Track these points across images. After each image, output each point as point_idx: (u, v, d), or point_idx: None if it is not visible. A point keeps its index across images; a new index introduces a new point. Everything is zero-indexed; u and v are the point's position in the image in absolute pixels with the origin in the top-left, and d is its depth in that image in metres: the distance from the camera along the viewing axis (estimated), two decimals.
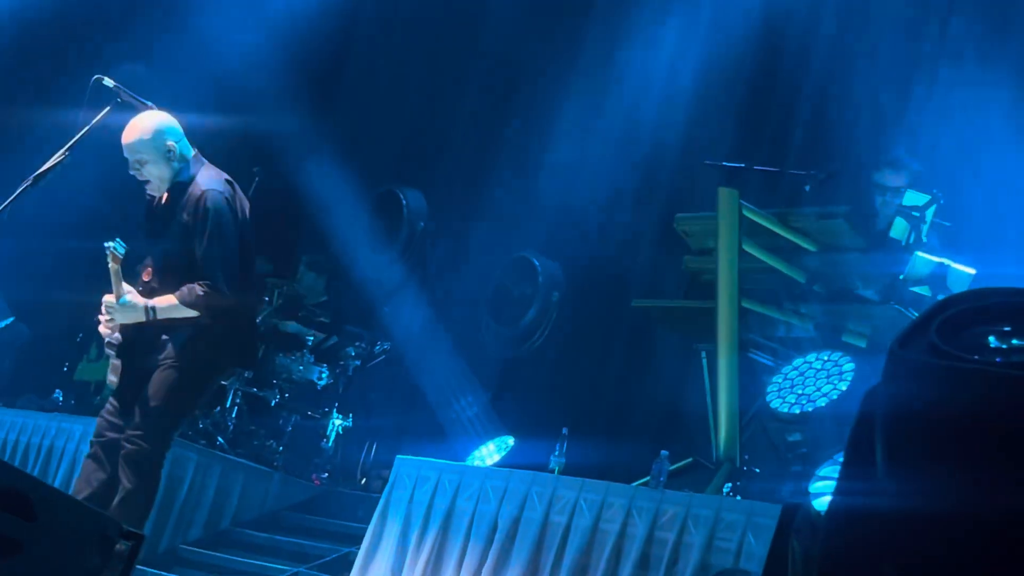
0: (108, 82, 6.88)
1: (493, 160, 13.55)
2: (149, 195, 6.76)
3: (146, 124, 6.59)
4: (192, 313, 6.46)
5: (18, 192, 6.51)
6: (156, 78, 11.00)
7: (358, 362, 11.38)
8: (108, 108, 6.68)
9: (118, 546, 4.84)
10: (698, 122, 11.94)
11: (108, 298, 6.43)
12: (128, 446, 6.51)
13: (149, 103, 6.88)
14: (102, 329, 6.66)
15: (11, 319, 12.22)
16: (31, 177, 6.56)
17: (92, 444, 6.75)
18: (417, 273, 11.34)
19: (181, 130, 6.68)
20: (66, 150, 6.60)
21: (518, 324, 11.05)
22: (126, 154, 6.56)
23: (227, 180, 6.73)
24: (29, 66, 13.44)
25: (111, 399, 6.76)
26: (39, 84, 13.15)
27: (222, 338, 6.65)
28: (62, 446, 10.00)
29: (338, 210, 14.64)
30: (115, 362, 6.61)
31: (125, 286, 6.42)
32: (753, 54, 11.79)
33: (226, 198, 6.61)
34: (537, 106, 13.39)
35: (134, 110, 6.78)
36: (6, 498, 4.55)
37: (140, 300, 6.43)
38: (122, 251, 6.31)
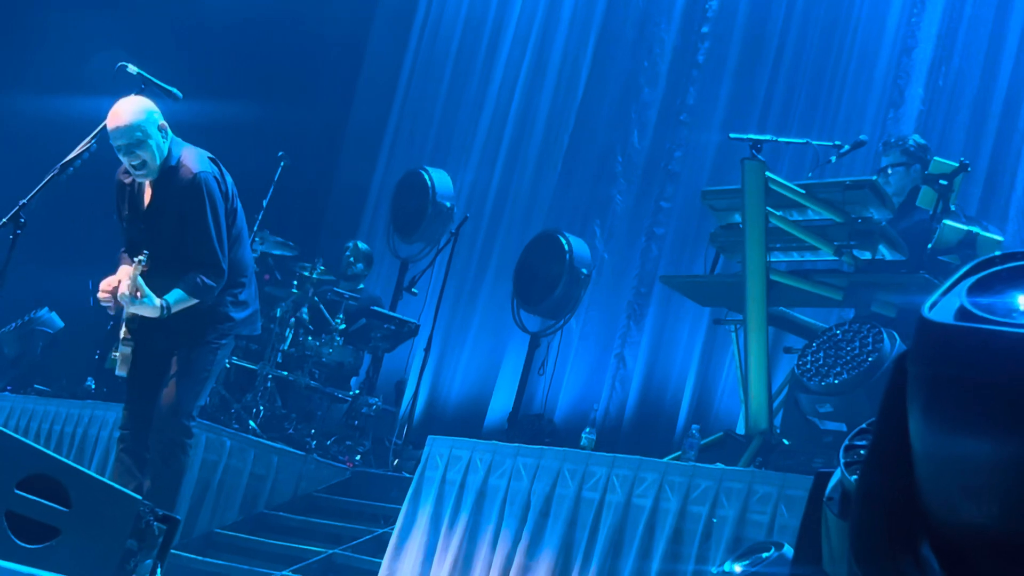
0: (132, 69, 6.88)
1: (519, 140, 13.56)
2: (124, 182, 6.71)
3: (136, 105, 6.51)
4: (196, 301, 6.48)
5: (45, 181, 6.54)
6: (180, 63, 11.02)
7: (387, 344, 11.41)
8: (132, 96, 6.65)
9: (154, 530, 4.88)
10: (730, 96, 11.95)
11: (123, 290, 6.35)
12: (157, 431, 6.54)
13: (173, 89, 6.88)
14: (101, 297, 6.59)
15: (44, 308, 12.27)
16: (57, 166, 6.58)
17: (120, 438, 6.77)
18: (444, 253, 11.32)
19: None
20: (91, 138, 6.61)
21: (545, 302, 11.03)
22: (120, 139, 6.42)
23: (211, 158, 6.71)
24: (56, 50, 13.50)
25: (129, 388, 6.77)
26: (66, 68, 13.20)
27: (232, 314, 6.72)
28: (95, 434, 10.05)
29: (364, 192, 14.68)
30: (125, 351, 6.55)
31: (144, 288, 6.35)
32: (782, 26, 11.82)
33: (215, 178, 6.60)
34: (563, 82, 13.40)
35: (157, 96, 6.78)
36: (42, 485, 4.60)
37: (157, 300, 6.39)
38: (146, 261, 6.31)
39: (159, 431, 6.54)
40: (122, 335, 6.54)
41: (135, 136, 6.42)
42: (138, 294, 6.31)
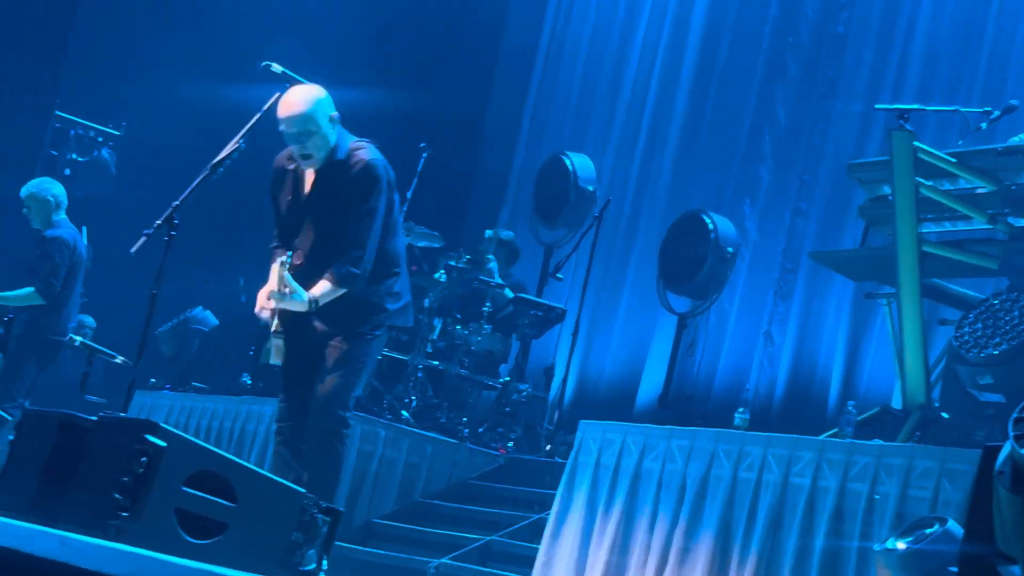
0: (276, 68, 6.95)
1: (658, 121, 13.52)
2: (287, 168, 6.69)
3: (308, 94, 6.51)
4: (343, 291, 6.52)
5: (197, 182, 6.62)
6: (321, 56, 11.16)
7: (534, 330, 11.43)
8: (278, 95, 6.69)
9: (318, 522, 4.95)
10: (870, 65, 11.80)
11: (273, 287, 6.39)
12: (315, 423, 6.59)
13: (317, 86, 6.93)
14: (261, 313, 6.63)
15: (198, 307, 12.50)
16: (208, 166, 6.66)
17: (278, 431, 6.82)
18: (588, 238, 11.30)
19: None
20: (239, 137, 6.67)
21: (691, 282, 10.98)
22: (291, 128, 6.43)
23: (379, 148, 6.73)
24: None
25: (286, 381, 6.81)
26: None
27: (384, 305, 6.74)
28: (253, 429, 10.23)
29: (504, 180, 14.75)
30: (278, 343, 6.56)
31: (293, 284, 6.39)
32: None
33: (385, 167, 6.60)
34: (703, 60, 13.33)
35: None
36: (210, 482, 4.68)
37: (306, 295, 6.42)
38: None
39: (317, 423, 6.58)
40: (274, 328, 6.56)
41: (306, 127, 6.44)
42: (287, 290, 6.35)
